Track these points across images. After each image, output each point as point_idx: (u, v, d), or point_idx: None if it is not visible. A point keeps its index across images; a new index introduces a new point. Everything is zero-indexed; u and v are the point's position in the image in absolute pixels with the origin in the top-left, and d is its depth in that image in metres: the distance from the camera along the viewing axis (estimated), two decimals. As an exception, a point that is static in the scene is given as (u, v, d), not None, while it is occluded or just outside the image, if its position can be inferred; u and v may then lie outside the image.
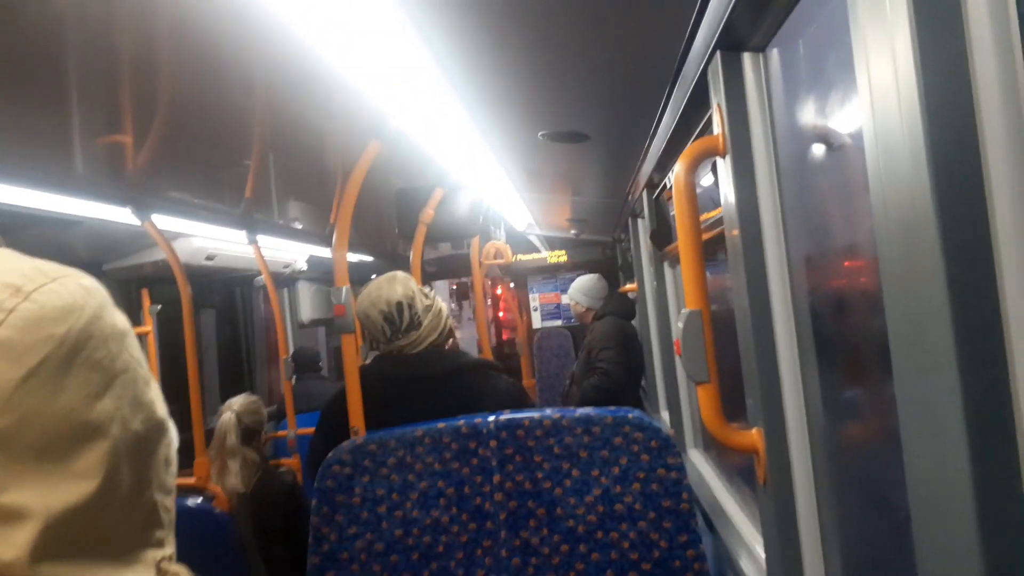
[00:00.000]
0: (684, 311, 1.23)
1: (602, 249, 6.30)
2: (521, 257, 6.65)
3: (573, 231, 5.49)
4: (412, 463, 1.78)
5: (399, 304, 2.01)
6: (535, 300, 6.80)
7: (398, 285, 2.04)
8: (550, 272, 6.81)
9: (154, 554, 0.54)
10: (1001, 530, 0.55)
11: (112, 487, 0.50)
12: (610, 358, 3.89)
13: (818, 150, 1.14)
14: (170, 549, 0.56)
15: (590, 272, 4.70)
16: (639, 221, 3.43)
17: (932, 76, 0.57)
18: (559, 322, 6.58)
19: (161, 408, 0.57)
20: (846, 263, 1.09)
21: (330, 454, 1.79)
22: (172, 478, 0.58)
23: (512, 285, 6.75)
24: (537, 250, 6.76)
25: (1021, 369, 0.55)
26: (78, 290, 0.51)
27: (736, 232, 1.20)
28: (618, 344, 3.96)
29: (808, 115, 1.15)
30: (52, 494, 0.47)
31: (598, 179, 3.25)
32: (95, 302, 0.52)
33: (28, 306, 0.48)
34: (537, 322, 6.74)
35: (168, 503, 0.57)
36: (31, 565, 0.45)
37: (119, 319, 0.54)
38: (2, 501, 0.45)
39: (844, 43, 1.07)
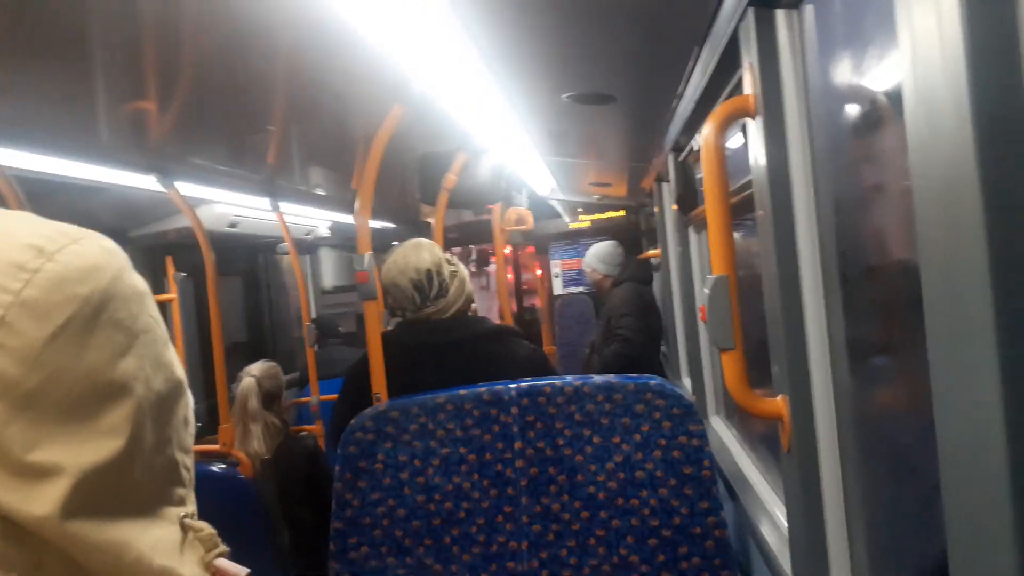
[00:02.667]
0: (710, 277, 1.21)
1: (625, 214, 6.24)
2: (543, 223, 6.61)
3: (596, 196, 5.44)
4: (434, 430, 1.78)
5: (428, 272, 1.99)
6: (557, 266, 6.77)
7: (424, 252, 2.02)
8: (572, 238, 6.76)
9: (177, 511, 0.56)
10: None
11: (137, 445, 0.51)
12: (630, 325, 3.87)
13: (853, 112, 1.10)
14: (191, 507, 0.57)
15: (612, 238, 4.66)
16: (663, 185, 3.38)
17: (978, 28, 0.54)
18: (581, 288, 6.54)
19: (179, 368, 0.58)
20: (878, 229, 1.06)
21: (353, 420, 1.80)
22: (191, 437, 0.59)
23: (534, 251, 6.73)
24: (559, 216, 6.71)
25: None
26: (99, 251, 0.52)
27: (766, 195, 1.17)
28: (638, 311, 3.94)
29: (844, 75, 1.11)
30: (81, 451, 0.48)
31: (623, 142, 3.20)
32: (116, 263, 0.53)
33: (52, 267, 0.48)
34: (558, 288, 6.71)
35: (188, 462, 0.58)
36: (62, 521, 0.47)
37: (138, 280, 0.55)
38: (34, 458, 0.47)
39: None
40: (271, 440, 2.73)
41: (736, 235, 1.58)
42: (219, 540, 0.57)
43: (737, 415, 2.52)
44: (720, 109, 1.24)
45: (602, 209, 6.49)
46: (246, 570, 0.60)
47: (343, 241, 5.59)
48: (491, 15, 1.59)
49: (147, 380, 0.52)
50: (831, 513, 1.15)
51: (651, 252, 4.54)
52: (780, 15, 1.18)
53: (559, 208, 6.47)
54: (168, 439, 0.55)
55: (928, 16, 0.59)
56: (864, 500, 1.12)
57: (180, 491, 0.57)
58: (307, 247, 5.38)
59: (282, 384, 2.90)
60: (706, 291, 1.20)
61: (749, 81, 1.23)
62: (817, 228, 1.14)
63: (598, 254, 4.44)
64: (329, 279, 5.54)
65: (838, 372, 1.13)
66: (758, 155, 1.21)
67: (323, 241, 5.12)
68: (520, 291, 7.34)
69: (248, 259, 4.87)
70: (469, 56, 1.84)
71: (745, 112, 1.23)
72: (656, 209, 3.72)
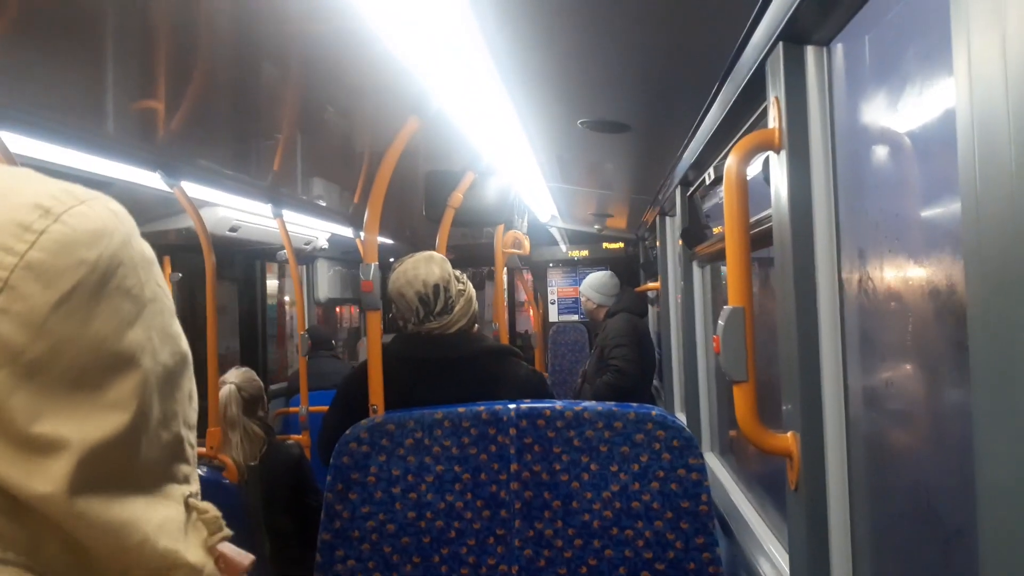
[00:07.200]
0: (726, 308, 1.20)
1: (624, 247, 6.25)
2: (540, 249, 6.61)
3: (596, 226, 5.45)
4: (430, 445, 1.76)
5: (436, 286, 1.96)
6: (553, 293, 6.76)
7: (435, 266, 1.99)
8: (570, 266, 6.76)
9: (181, 489, 0.53)
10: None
11: (143, 419, 0.49)
12: (624, 355, 3.86)
13: (879, 151, 1.11)
14: (195, 486, 0.55)
15: (610, 269, 4.67)
16: (667, 219, 3.39)
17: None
18: (576, 317, 6.53)
19: (185, 341, 0.56)
20: (900, 267, 1.06)
21: (348, 431, 1.78)
22: (195, 413, 0.57)
23: (530, 277, 6.72)
24: (556, 243, 6.72)
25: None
26: (108, 214, 0.50)
27: (786, 230, 1.17)
28: (632, 341, 3.94)
29: (871, 114, 1.11)
30: (87, 424, 0.46)
31: (630, 173, 3.21)
32: (124, 227, 0.50)
33: (59, 228, 0.46)
34: (554, 315, 6.69)
35: (193, 439, 0.56)
36: (69, 498, 0.44)
37: (146, 246, 0.53)
38: (38, 431, 0.44)
39: (913, 41, 1.03)
40: (254, 447, 2.69)
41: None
42: (223, 523, 0.55)
43: (732, 452, 2.50)
44: (744, 141, 1.24)
45: (600, 240, 6.51)
46: (251, 557, 0.57)
47: (341, 254, 5.57)
48: (514, 34, 1.59)
49: (154, 352, 0.50)
50: (837, 554, 1.13)
51: (650, 285, 4.55)
52: (810, 51, 1.18)
53: (556, 236, 6.48)
54: (174, 414, 0.53)
55: (990, 44, 0.58)
56: (872, 543, 1.11)
57: (185, 469, 0.55)
58: (305, 258, 5.35)
59: (261, 387, 2.87)
60: (721, 322, 1.19)
61: (774, 115, 1.23)
62: (837, 263, 1.13)
63: (593, 283, 4.46)
64: (324, 291, 5.51)
65: (852, 411, 1.12)
66: (780, 189, 1.21)
67: (321, 253, 5.10)
68: (513, 316, 7.31)
69: (244, 265, 4.83)
70: (488, 74, 1.84)
71: (769, 146, 1.23)
72: (658, 243, 3.72)
